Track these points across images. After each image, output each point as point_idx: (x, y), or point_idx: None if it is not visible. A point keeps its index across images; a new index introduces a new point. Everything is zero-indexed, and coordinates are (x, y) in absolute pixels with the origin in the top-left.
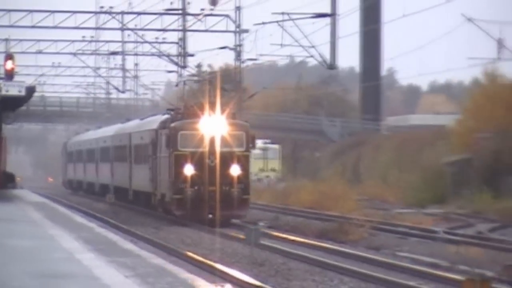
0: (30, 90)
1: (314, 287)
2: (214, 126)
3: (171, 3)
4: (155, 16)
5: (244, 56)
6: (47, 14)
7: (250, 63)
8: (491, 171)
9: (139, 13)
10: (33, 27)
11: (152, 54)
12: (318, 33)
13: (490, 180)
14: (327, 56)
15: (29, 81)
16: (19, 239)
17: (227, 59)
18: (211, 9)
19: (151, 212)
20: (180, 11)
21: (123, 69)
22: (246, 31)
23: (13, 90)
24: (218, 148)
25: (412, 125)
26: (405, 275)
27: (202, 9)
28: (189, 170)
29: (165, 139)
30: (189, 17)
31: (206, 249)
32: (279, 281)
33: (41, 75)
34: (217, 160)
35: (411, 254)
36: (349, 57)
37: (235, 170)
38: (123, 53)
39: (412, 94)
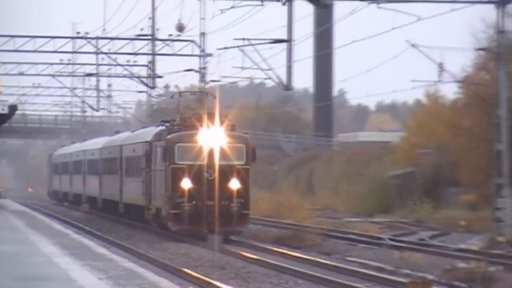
0: (12, 108)
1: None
2: (212, 138)
3: (142, 29)
4: (126, 41)
5: (208, 77)
6: (28, 39)
7: (213, 84)
8: (432, 183)
9: (112, 38)
10: (15, 51)
11: (124, 76)
12: (275, 57)
13: (430, 192)
14: (284, 78)
15: (12, 100)
16: (2, 244)
17: (192, 80)
18: (178, 35)
19: (139, 225)
20: (149, 37)
21: (97, 89)
22: (210, 55)
23: None
24: (217, 161)
25: (361, 141)
26: (353, 278)
27: (170, 35)
28: (186, 184)
29: (161, 152)
30: (157, 42)
31: (173, 254)
32: (239, 283)
33: (23, 94)
34: (216, 174)
35: (359, 259)
36: (304, 79)
37: (234, 184)
38: (97, 74)
39: (361, 113)
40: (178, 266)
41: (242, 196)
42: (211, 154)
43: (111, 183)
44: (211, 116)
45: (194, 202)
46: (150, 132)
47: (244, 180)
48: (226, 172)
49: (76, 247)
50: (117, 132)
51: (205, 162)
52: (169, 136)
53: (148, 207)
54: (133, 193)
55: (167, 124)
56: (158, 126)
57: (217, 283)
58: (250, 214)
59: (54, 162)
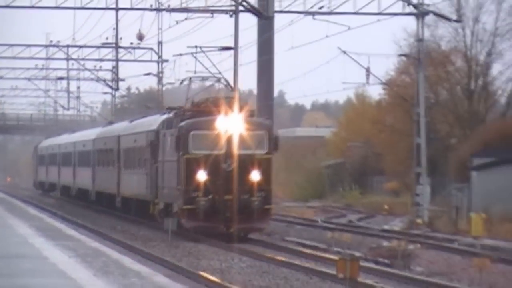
0: None
1: (219, 264)
2: (231, 125)
3: (107, 38)
4: (93, 49)
5: (165, 80)
6: (6, 47)
7: (169, 86)
8: (359, 173)
9: (81, 46)
10: None
11: (91, 79)
12: (224, 62)
13: (358, 180)
14: (231, 81)
15: None
16: None
17: (151, 83)
18: (139, 43)
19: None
20: (113, 45)
21: (68, 91)
22: (166, 61)
23: None
24: (236, 150)
25: (298, 136)
26: (291, 255)
27: (131, 43)
28: (202, 176)
29: (172, 141)
30: (120, 50)
31: (133, 235)
32: (191, 260)
33: (2, 96)
34: (235, 165)
35: (296, 238)
36: (249, 82)
37: (255, 176)
38: (68, 78)
39: (298, 112)
40: (137, 245)
41: (263, 189)
42: (229, 142)
43: (106, 176)
44: (227, 102)
45: (210, 196)
46: (155, 120)
47: (265, 172)
48: (246, 163)
49: (49, 229)
50: (111, 123)
51: (222, 151)
52: (182, 123)
53: (154, 201)
54: (134, 187)
55: (176, 111)
56: (164, 114)
57: (172, 260)
58: (272, 209)
59: (40, 153)
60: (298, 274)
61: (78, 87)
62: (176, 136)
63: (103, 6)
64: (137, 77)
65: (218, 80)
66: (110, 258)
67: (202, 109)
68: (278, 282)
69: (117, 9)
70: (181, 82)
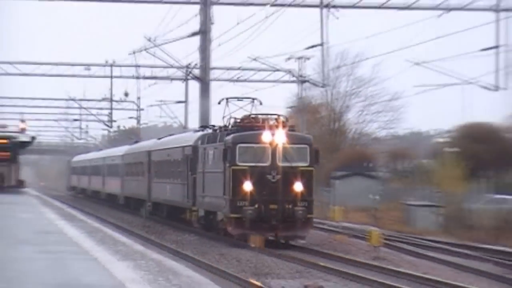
0: (33, 137)
1: (175, 237)
2: (276, 139)
3: (105, 94)
4: (96, 101)
5: (141, 121)
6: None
7: (144, 125)
8: None
9: (88, 100)
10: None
11: (95, 120)
12: (179, 110)
13: None
14: (183, 121)
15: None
16: (24, 213)
17: (133, 123)
18: (125, 98)
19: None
20: (109, 99)
21: (80, 127)
22: (142, 109)
23: (25, 137)
24: (280, 163)
25: None
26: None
27: (120, 98)
28: (248, 186)
29: (216, 154)
30: (114, 102)
31: (119, 219)
32: (159, 236)
33: (38, 131)
34: (280, 176)
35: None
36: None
37: (298, 186)
38: (80, 120)
39: None
40: (127, 227)
41: (306, 200)
42: (274, 155)
43: (135, 184)
44: (268, 118)
45: (256, 206)
46: (190, 137)
47: (308, 183)
48: (290, 174)
49: (68, 215)
50: (136, 142)
51: (268, 163)
52: (228, 137)
53: (192, 209)
54: (167, 194)
55: (215, 127)
56: (197, 131)
57: (142, 233)
58: (313, 218)
59: (73, 166)
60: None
61: (86, 125)
62: (223, 149)
63: (102, 74)
64: (123, 119)
65: (252, 101)
66: (106, 234)
67: (245, 124)
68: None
69: (111, 77)
70: (219, 102)
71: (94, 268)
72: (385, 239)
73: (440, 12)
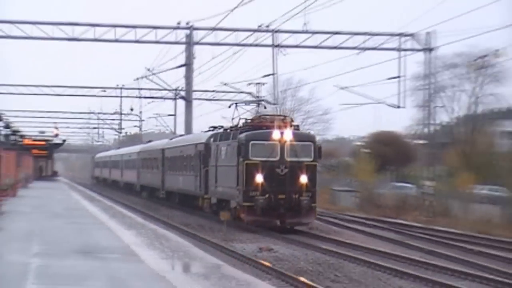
0: (63, 140)
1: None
2: (283, 136)
3: (116, 109)
4: (109, 114)
5: (143, 129)
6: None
7: (144, 132)
8: None
9: (104, 113)
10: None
11: (109, 128)
12: (171, 121)
13: None
14: (173, 129)
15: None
16: (57, 195)
17: (136, 130)
18: (131, 112)
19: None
20: (119, 113)
21: (98, 133)
22: (143, 120)
23: (58, 140)
24: (288, 158)
25: None
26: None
27: (127, 112)
28: (260, 178)
29: (230, 150)
30: (123, 115)
31: (129, 201)
32: (156, 212)
33: (67, 137)
34: (287, 170)
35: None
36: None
37: (304, 179)
38: (98, 128)
39: None
40: (140, 208)
41: (310, 190)
42: (282, 151)
43: (150, 175)
44: (275, 119)
45: (266, 196)
46: (202, 136)
47: (312, 176)
48: (296, 168)
49: (89, 197)
50: (149, 141)
51: (277, 158)
52: (242, 135)
53: (204, 197)
54: (181, 185)
55: (224, 127)
56: (207, 131)
57: (143, 209)
58: (316, 207)
59: (96, 161)
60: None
61: (102, 132)
62: (237, 145)
63: (114, 94)
64: (129, 127)
65: (259, 104)
66: (116, 210)
67: (255, 124)
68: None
69: (121, 97)
70: (229, 106)
71: (108, 234)
72: (318, 214)
73: (358, 51)
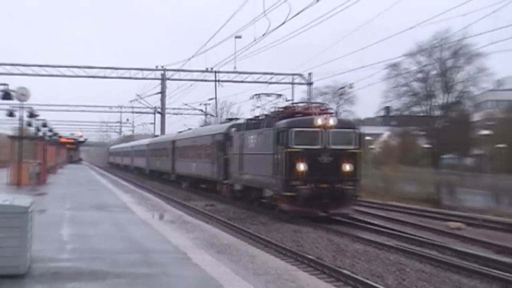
0: (85, 139)
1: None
2: (327, 123)
3: (127, 119)
4: (114, 124)
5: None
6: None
7: (135, 133)
8: None
9: (115, 123)
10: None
11: (113, 131)
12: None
13: None
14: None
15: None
16: (81, 173)
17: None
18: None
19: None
20: (117, 123)
21: (106, 135)
22: (134, 126)
23: (81, 139)
24: (331, 145)
25: None
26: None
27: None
28: (301, 167)
29: (263, 138)
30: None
31: (132, 178)
32: (143, 182)
33: (88, 136)
34: (330, 158)
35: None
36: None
37: (347, 167)
38: (107, 131)
39: None
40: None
41: (353, 179)
42: (325, 138)
43: (159, 162)
44: (310, 106)
45: (309, 185)
46: (220, 127)
47: (355, 164)
48: (339, 156)
49: (116, 182)
50: (156, 136)
51: (319, 146)
52: (281, 122)
53: (222, 182)
54: (193, 170)
55: (250, 118)
56: (223, 123)
57: (134, 181)
58: (358, 196)
59: (110, 151)
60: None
61: (109, 134)
62: (274, 133)
63: (117, 111)
64: (126, 131)
65: (279, 96)
66: (120, 183)
67: (290, 112)
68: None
69: (121, 113)
70: (252, 97)
71: (113, 196)
72: None
73: (267, 84)
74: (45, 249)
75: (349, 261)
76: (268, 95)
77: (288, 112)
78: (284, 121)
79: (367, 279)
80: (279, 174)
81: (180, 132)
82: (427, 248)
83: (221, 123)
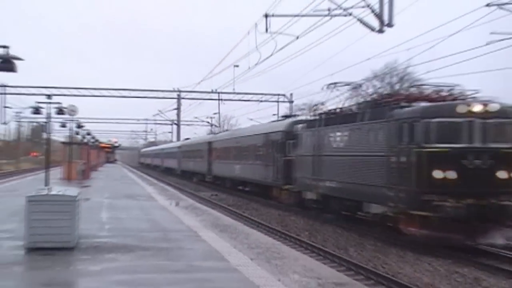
0: (119, 145)
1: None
2: (479, 110)
3: (151, 129)
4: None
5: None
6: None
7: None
8: None
9: (145, 132)
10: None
11: (140, 138)
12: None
13: None
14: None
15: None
16: (116, 171)
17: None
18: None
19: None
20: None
21: (136, 141)
22: (156, 135)
23: (116, 145)
24: (485, 143)
25: None
26: None
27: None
28: (442, 174)
29: (359, 135)
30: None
31: (159, 175)
32: (165, 177)
33: (121, 142)
34: (485, 161)
35: None
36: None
37: (506, 175)
38: (136, 138)
39: None
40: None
41: None
42: (477, 133)
43: (192, 163)
44: (442, 89)
45: (454, 201)
46: (276, 125)
47: None
48: (498, 159)
49: (146, 179)
50: (187, 139)
51: (466, 144)
52: (407, 110)
53: (282, 188)
54: (237, 172)
55: (331, 110)
56: (278, 121)
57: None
58: None
59: (141, 154)
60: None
61: (137, 141)
62: (396, 126)
63: (144, 122)
64: (150, 138)
65: (357, 87)
66: (147, 178)
67: (409, 98)
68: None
69: (146, 124)
70: (325, 87)
71: (140, 188)
72: None
73: (259, 102)
74: (89, 228)
75: (321, 237)
76: (347, 84)
77: (412, 98)
78: (410, 109)
79: (334, 251)
80: (404, 184)
81: (216, 133)
82: None
83: (274, 121)
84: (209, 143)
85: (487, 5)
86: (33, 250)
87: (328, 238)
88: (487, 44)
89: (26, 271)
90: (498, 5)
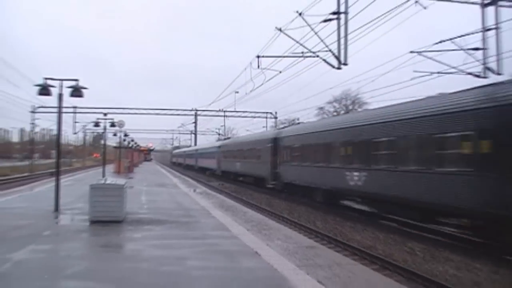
0: (153, 148)
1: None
2: None
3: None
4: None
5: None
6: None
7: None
8: None
9: (169, 139)
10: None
11: (169, 144)
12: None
13: None
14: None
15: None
16: (152, 167)
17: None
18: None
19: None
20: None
21: (166, 146)
22: (180, 141)
23: (151, 148)
24: None
25: None
26: None
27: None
28: None
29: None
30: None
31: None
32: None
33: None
34: None
35: None
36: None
37: None
38: (166, 144)
39: None
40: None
41: None
42: None
43: (240, 164)
44: None
45: None
46: (267, 134)
47: None
48: None
49: (176, 174)
50: (227, 138)
51: None
52: None
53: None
54: (322, 178)
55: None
56: (266, 132)
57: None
58: None
59: (173, 154)
60: None
61: (167, 146)
62: None
63: (171, 130)
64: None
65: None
66: (176, 174)
67: None
68: None
69: (172, 133)
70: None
71: (168, 179)
72: None
73: (254, 118)
74: (133, 208)
75: (297, 214)
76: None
77: None
78: None
79: (306, 224)
80: None
81: (284, 127)
82: None
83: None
84: (275, 139)
85: (411, 52)
86: (94, 222)
87: (302, 214)
88: (411, 79)
89: (90, 237)
90: (418, 52)
